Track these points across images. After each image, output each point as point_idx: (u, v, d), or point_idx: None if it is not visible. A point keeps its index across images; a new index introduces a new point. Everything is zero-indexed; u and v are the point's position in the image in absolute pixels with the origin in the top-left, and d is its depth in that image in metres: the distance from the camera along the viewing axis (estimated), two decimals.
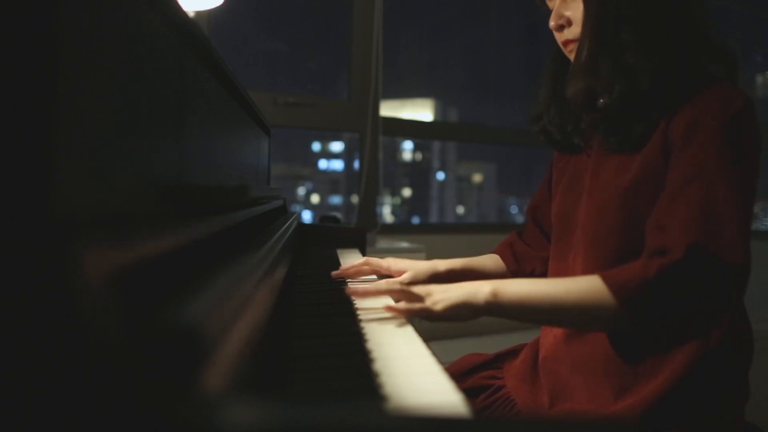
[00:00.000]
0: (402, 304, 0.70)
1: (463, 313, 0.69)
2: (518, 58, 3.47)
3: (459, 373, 0.97)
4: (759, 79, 2.90)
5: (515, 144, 2.86)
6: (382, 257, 1.00)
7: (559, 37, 0.86)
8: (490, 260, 1.05)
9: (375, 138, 2.35)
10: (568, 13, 0.83)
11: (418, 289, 0.70)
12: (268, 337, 0.60)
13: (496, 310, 0.70)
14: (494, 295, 0.69)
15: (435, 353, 0.56)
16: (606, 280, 0.67)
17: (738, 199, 0.67)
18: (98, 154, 0.34)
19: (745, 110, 0.71)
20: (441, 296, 0.69)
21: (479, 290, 0.70)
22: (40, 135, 0.27)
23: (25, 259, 0.24)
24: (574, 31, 0.82)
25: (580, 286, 0.69)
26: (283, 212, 1.38)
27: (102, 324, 0.24)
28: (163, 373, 0.25)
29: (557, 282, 0.72)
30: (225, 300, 0.36)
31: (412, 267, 0.95)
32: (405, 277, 0.93)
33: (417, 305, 0.69)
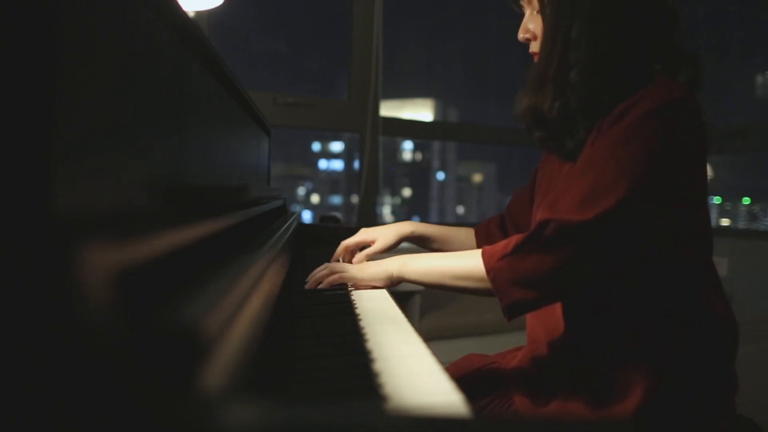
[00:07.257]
0: (325, 272, 0.88)
1: (381, 280, 0.88)
2: (518, 58, 3.47)
3: (459, 373, 0.97)
4: (759, 79, 2.89)
5: (515, 144, 2.86)
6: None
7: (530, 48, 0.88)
8: (465, 234, 1.12)
9: (375, 138, 2.35)
10: (531, 27, 0.85)
11: (349, 267, 0.90)
12: (268, 337, 0.60)
13: (404, 279, 0.86)
14: (403, 265, 0.85)
15: (435, 353, 0.56)
16: (483, 252, 0.76)
17: (624, 182, 0.67)
18: (98, 153, 0.34)
19: (673, 103, 0.70)
20: (365, 266, 0.89)
21: (393, 263, 0.87)
22: (40, 135, 0.27)
23: (24, 258, 0.24)
24: (538, 45, 0.84)
25: (468, 258, 0.79)
26: (283, 212, 1.38)
27: (101, 323, 0.24)
28: (162, 373, 0.25)
29: (454, 255, 0.83)
30: (224, 300, 0.36)
31: (381, 234, 1.06)
32: (375, 246, 1.05)
33: (339, 274, 0.88)
